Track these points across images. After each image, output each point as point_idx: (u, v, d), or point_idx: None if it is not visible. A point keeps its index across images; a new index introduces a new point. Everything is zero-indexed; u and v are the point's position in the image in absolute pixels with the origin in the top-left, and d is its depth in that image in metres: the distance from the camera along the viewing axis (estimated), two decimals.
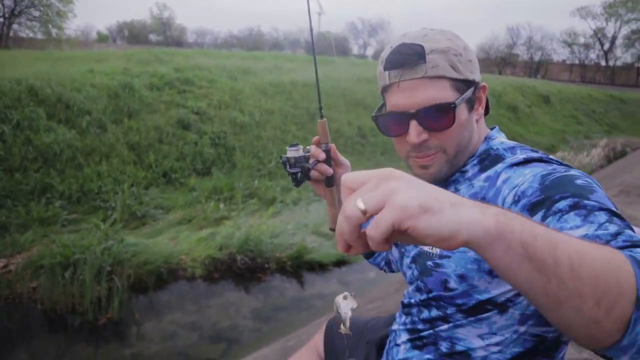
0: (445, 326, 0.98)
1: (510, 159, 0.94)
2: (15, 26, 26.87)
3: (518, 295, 0.89)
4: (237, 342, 4.59)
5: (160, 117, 9.26)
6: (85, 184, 7.08)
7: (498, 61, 52.27)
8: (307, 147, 1.22)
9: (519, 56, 57.78)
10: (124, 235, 5.68)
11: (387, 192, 0.50)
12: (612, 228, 0.65)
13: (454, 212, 0.50)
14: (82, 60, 13.09)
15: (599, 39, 53.41)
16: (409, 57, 0.93)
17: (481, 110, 1.02)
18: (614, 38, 52.68)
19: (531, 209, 0.77)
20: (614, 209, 0.71)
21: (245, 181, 8.22)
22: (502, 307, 0.91)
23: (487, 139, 1.03)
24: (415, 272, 1.04)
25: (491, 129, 1.07)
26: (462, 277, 0.92)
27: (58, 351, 4.29)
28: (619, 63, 54.81)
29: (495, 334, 0.92)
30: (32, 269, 5.10)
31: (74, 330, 4.59)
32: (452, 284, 0.94)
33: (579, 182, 0.77)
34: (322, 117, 1.22)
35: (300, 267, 5.97)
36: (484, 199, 0.90)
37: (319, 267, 6.01)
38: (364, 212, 0.50)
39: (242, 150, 9.50)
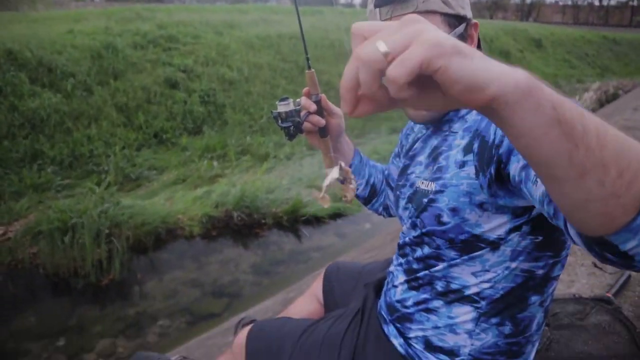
0: (440, 266, 1.01)
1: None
2: None
3: (509, 232, 0.92)
4: (239, 297, 4.70)
5: (146, 77, 9.07)
6: (76, 149, 7.01)
7: (489, 5, 51.07)
8: (297, 100, 1.21)
9: None
10: (120, 198, 5.69)
11: (413, 33, 0.43)
12: None
13: (485, 62, 0.45)
14: (60, 21, 12.63)
15: None
16: None
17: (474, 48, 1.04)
18: None
19: None
20: None
21: (237, 138, 8.18)
22: (493, 244, 0.93)
23: None
24: (412, 210, 1.06)
25: None
26: (454, 210, 0.94)
27: (64, 313, 4.38)
28: (612, 2, 53.72)
29: (488, 270, 0.96)
30: (31, 235, 5.14)
31: (77, 292, 4.67)
32: (445, 217, 0.96)
33: None
34: (309, 68, 1.20)
35: (296, 221, 6.04)
36: (477, 131, 0.90)
37: (315, 220, 6.08)
38: (386, 55, 0.43)
39: (232, 106, 9.39)
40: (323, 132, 1.22)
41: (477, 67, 0.43)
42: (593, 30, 29.78)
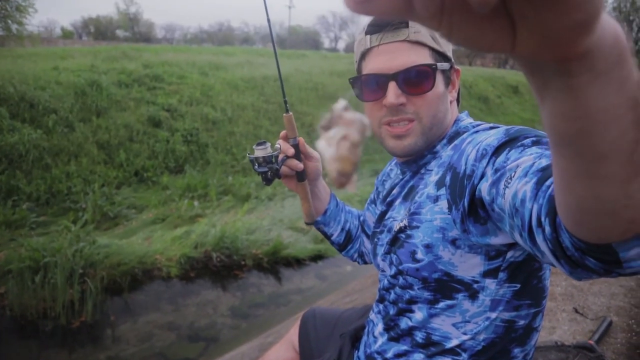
0: (419, 315, 0.99)
1: (477, 127, 0.98)
2: None
3: (483, 275, 0.91)
4: (216, 341, 4.56)
5: (130, 115, 9.07)
6: (54, 185, 6.89)
7: (468, 52, 53.00)
8: (276, 144, 1.20)
9: None
10: (96, 237, 5.56)
11: None
12: None
13: None
14: (46, 58, 12.70)
15: None
16: (392, 20, 0.93)
17: (455, 94, 1.05)
18: None
19: (496, 152, 0.76)
20: None
21: (219, 178, 8.14)
22: (470, 289, 0.92)
23: (457, 121, 1.05)
24: (391, 253, 1.05)
25: (464, 112, 1.10)
26: (428, 247, 0.93)
27: (30, 357, 4.18)
28: None
29: (468, 322, 0.94)
30: None
31: (46, 335, 4.47)
32: (419, 254, 0.95)
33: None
34: (287, 111, 1.20)
35: (277, 262, 5.96)
36: (450, 165, 0.89)
37: (296, 262, 6.01)
38: None
39: (214, 146, 9.40)
40: (301, 176, 1.21)
41: None
42: None
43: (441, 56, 0.97)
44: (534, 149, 0.69)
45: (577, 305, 2.41)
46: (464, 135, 0.94)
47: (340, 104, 0.51)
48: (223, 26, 65.69)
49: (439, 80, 0.97)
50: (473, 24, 0.29)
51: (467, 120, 1.06)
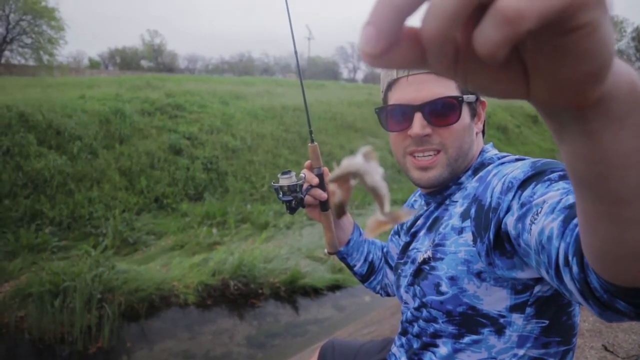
0: (445, 351, 0.96)
1: (502, 159, 0.97)
2: (7, 53, 26.93)
3: (510, 310, 0.88)
4: None
5: (151, 143, 9.25)
6: (76, 210, 7.01)
7: None
8: (301, 173, 1.20)
9: None
10: (115, 262, 5.61)
11: None
12: None
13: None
14: (74, 87, 13.11)
15: None
16: None
17: (480, 125, 1.05)
18: None
19: (522, 185, 0.75)
20: None
21: (237, 206, 8.18)
22: (496, 324, 0.89)
23: (482, 152, 1.04)
24: (415, 285, 1.03)
25: (490, 143, 1.09)
26: (452, 279, 0.92)
27: None
28: None
29: (494, 358, 0.91)
30: (20, 298, 5.00)
31: None
32: (444, 286, 0.93)
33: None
34: (312, 141, 1.21)
35: (294, 292, 5.90)
36: (475, 197, 0.88)
37: (314, 291, 5.94)
38: None
39: (234, 174, 9.49)
40: (324, 205, 1.21)
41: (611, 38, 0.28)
42: None
43: (465, 89, 0.98)
44: (561, 184, 0.68)
45: (607, 342, 2.32)
46: (489, 167, 0.93)
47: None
48: (244, 57, 67.24)
49: (465, 112, 0.97)
50: (487, 73, 0.30)
51: (492, 151, 1.05)
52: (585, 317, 2.60)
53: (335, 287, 6.07)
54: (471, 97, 0.98)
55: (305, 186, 1.18)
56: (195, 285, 5.50)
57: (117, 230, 6.63)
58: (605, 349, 2.25)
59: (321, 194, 1.18)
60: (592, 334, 2.45)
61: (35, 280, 5.08)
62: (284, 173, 1.19)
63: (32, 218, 6.70)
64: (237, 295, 5.68)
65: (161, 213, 7.69)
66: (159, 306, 5.33)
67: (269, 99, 14.24)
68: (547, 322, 0.88)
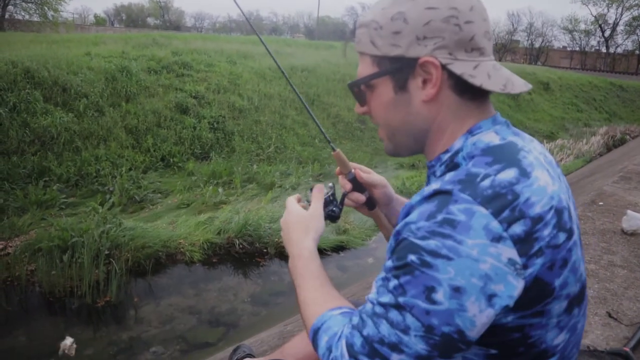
0: None
1: (428, 189, 0.75)
2: (10, 8, 26.53)
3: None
4: (236, 326, 4.59)
5: (158, 101, 9.18)
6: (84, 168, 7.03)
7: (499, 47, 51.89)
8: (329, 184, 1.15)
9: (520, 42, 57.38)
10: (122, 219, 5.66)
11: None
12: (356, 319, 0.76)
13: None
14: (79, 44, 12.94)
15: (600, 26, 52.86)
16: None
17: (431, 91, 0.80)
18: (615, 25, 52.14)
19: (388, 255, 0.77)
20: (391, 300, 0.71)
21: (244, 166, 8.18)
22: None
23: (469, 132, 0.81)
24: None
25: (491, 118, 0.84)
26: None
27: (57, 333, 4.28)
28: (619, 50, 54.36)
29: None
30: (30, 252, 5.08)
31: (72, 312, 4.59)
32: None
33: (411, 257, 0.68)
34: (334, 149, 1.16)
35: None
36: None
37: (318, 252, 6.00)
38: None
39: (240, 134, 9.45)
40: (370, 204, 1.19)
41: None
42: (600, 77, 30.12)
43: (385, 59, 0.82)
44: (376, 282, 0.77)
45: (611, 309, 2.32)
46: (424, 191, 0.75)
47: None
48: (252, 15, 65.81)
49: (383, 88, 0.84)
50: None
51: (480, 135, 0.80)
52: (590, 285, 2.59)
53: (339, 248, 6.13)
54: (389, 70, 0.82)
55: (342, 192, 1.17)
56: (201, 243, 5.56)
57: (123, 188, 6.67)
58: (609, 315, 2.26)
59: (359, 198, 1.17)
60: (597, 301, 2.46)
61: (45, 236, 5.15)
62: (312, 190, 1.16)
63: (39, 175, 6.74)
64: (242, 254, 5.75)
65: (167, 172, 7.71)
66: (165, 263, 5.41)
67: (277, 59, 13.99)
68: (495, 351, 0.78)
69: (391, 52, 0.81)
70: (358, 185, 1.16)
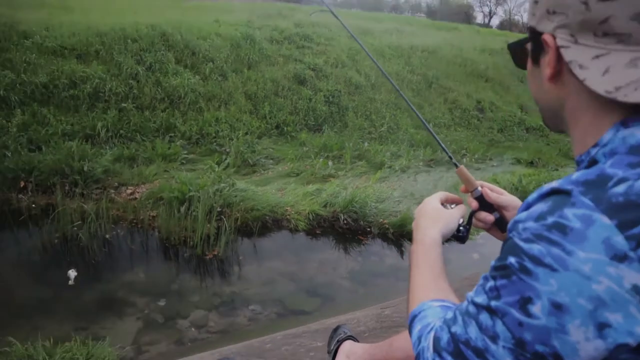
0: None
1: (547, 186, 0.64)
2: None
3: None
4: (332, 300, 4.58)
5: (277, 70, 9.39)
6: (205, 128, 7.43)
7: None
8: (451, 205, 1.07)
9: None
10: (235, 180, 5.87)
11: None
12: (450, 314, 0.71)
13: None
14: (209, 11, 13.62)
15: None
16: None
17: (548, 70, 0.69)
18: None
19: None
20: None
21: (355, 142, 8.11)
22: None
23: (621, 124, 0.63)
24: None
25: None
26: None
27: (169, 277, 4.59)
28: None
29: None
30: (153, 200, 5.49)
31: (183, 260, 4.87)
32: None
33: (511, 260, 0.60)
34: (456, 165, 1.09)
35: (402, 236, 5.78)
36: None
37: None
38: None
39: (354, 110, 9.37)
40: (501, 225, 1.05)
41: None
42: None
43: (531, 31, 0.74)
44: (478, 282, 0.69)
45: None
46: (543, 190, 0.63)
47: None
48: None
49: (527, 57, 0.78)
50: None
51: (633, 128, 0.61)
52: None
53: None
54: (526, 40, 0.77)
55: (469, 211, 1.08)
56: (306, 213, 5.60)
57: (239, 150, 6.93)
58: None
59: (486, 217, 1.05)
60: None
61: (166, 187, 5.51)
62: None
63: (166, 130, 7.24)
64: (346, 230, 5.70)
65: (281, 139, 7.88)
66: (271, 227, 5.54)
67: (397, 37, 13.65)
68: None
69: (530, 22, 0.75)
70: (486, 204, 1.05)
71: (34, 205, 5.54)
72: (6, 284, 4.29)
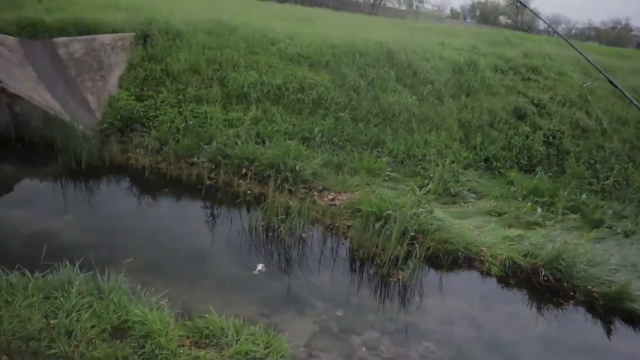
0: None
1: None
2: None
3: None
4: None
5: (497, 101, 8.94)
6: (412, 148, 7.49)
7: None
8: None
9: None
10: (434, 207, 5.76)
11: None
12: None
13: None
14: (435, 33, 13.70)
15: None
16: None
17: None
18: None
19: None
20: None
21: (571, 191, 7.23)
22: None
23: None
24: None
25: None
26: None
27: (351, 288, 4.72)
28: None
29: None
30: (351, 210, 5.73)
31: (367, 276, 4.96)
32: None
33: None
34: None
35: (613, 311, 4.93)
36: None
37: (639, 320, 4.84)
38: None
39: (576, 156, 8.37)
40: None
41: None
42: None
43: None
44: None
45: None
46: None
47: None
48: (619, 24, 57.39)
49: None
50: None
51: None
52: None
53: None
54: None
55: None
56: (503, 258, 5.19)
57: (442, 178, 6.80)
58: None
59: None
60: None
61: (366, 200, 5.70)
62: None
63: (375, 144, 7.51)
64: (544, 287, 5.11)
65: (487, 174, 7.49)
66: (461, 264, 5.27)
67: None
68: None
69: None
70: None
71: (249, 192, 6.31)
72: (214, 256, 4.95)
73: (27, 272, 3.49)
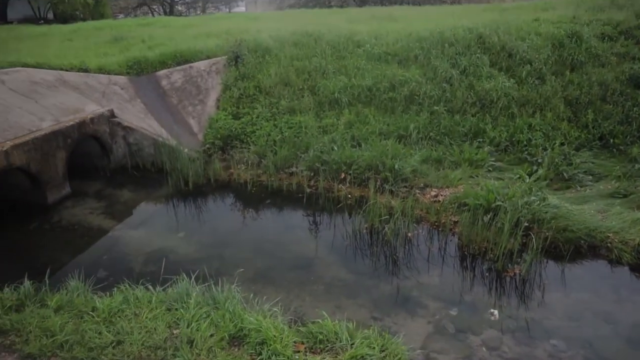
0: None
1: None
2: None
3: None
4: None
5: (608, 72, 8.11)
6: (515, 135, 7.05)
7: None
8: None
9: None
10: (547, 194, 5.37)
11: None
12: None
13: None
14: (528, 9, 12.81)
15: None
16: None
17: None
18: None
19: None
20: None
21: None
22: None
23: None
24: None
25: None
26: None
27: (464, 286, 4.52)
28: None
29: None
30: (456, 205, 5.53)
31: (480, 272, 4.73)
32: None
33: None
34: None
35: None
36: None
37: None
38: None
39: None
40: None
41: None
42: None
43: None
44: None
45: None
46: None
47: None
48: None
49: None
50: None
51: None
52: None
53: None
54: None
55: None
56: (635, 244, 4.69)
57: (553, 162, 6.32)
58: None
59: None
60: None
61: (471, 193, 5.47)
62: None
63: (475, 135, 7.18)
64: None
65: (604, 153, 6.81)
66: (585, 254, 4.86)
67: None
68: None
69: None
70: None
71: (349, 196, 6.35)
72: (320, 262, 5.03)
73: (150, 287, 3.79)
